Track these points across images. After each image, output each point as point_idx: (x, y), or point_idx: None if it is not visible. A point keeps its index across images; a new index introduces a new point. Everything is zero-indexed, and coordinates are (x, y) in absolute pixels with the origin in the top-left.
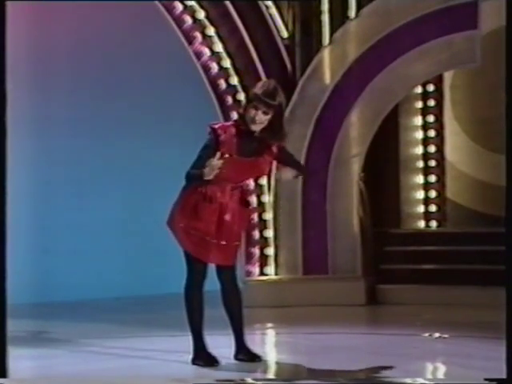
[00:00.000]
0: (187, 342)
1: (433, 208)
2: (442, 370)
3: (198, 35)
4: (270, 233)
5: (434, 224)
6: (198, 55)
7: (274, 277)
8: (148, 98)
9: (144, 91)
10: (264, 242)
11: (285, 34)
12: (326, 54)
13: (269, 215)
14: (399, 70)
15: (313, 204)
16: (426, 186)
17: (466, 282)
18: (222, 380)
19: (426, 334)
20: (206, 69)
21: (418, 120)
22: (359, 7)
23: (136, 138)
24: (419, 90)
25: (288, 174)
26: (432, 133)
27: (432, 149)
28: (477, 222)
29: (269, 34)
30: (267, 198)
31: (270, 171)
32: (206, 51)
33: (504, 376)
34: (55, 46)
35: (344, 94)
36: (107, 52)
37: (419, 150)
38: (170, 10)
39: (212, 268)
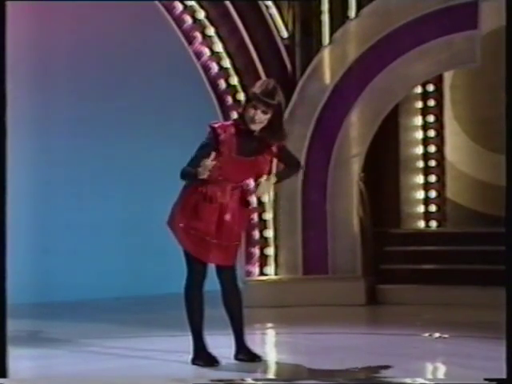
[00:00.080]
0: (187, 342)
1: (433, 208)
2: (441, 370)
3: (198, 35)
4: (270, 233)
5: (433, 224)
6: (198, 55)
7: (273, 277)
8: (148, 98)
9: (144, 91)
10: (264, 242)
11: (285, 34)
12: (326, 54)
13: (269, 215)
14: (399, 70)
15: (313, 204)
16: (426, 186)
17: (466, 282)
18: (222, 380)
19: (426, 334)
20: (206, 69)
21: (418, 120)
22: (359, 7)
23: (136, 138)
24: (419, 90)
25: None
26: (432, 133)
27: (432, 149)
28: (477, 222)
29: (269, 34)
30: (267, 198)
31: (270, 171)
32: (206, 51)
33: (504, 376)
34: (55, 45)
35: (344, 93)
36: (107, 52)
37: (419, 150)
38: (170, 9)
39: (212, 268)
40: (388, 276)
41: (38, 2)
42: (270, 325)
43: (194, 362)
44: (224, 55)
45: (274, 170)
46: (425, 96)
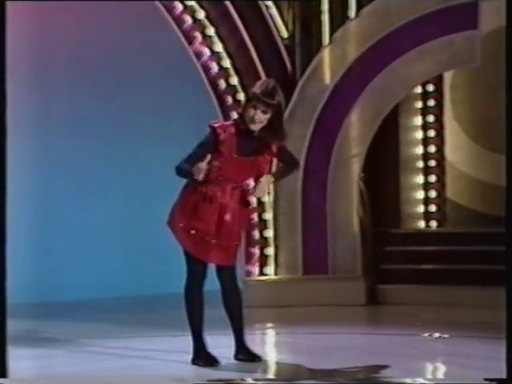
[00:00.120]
0: (187, 342)
1: (433, 208)
2: (441, 370)
3: (198, 35)
4: (270, 233)
5: (434, 224)
6: (198, 55)
7: (273, 277)
8: (148, 98)
9: (144, 91)
10: (264, 242)
11: (285, 34)
12: (326, 54)
13: (269, 215)
14: (399, 70)
15: (313, 204)
16: (426, 186)
17: (466, 282)
18: (222, 380)
19: (426, 334)
20: (206, 69)
21: (418, 120)
22: (359, 7)
23: (136, 138)
24: (419, 90)
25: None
26: (432, 133)
27: (432, 149)
28: (477, 222)
29: (269, 34)
30: (267, 198)
31: (270, 170)
32: (206, 51)
33: (504, 376)
34: (55, 46)
35: (344, 94)
36: (107, 52)
37: (419, 150)
38: (170, 9)
39: (212, 268)
40: (388, 276)
41: (38, 2)
42: (270, 325)
43: (194, 361)
44: (224, 55)
45: (274, 170)
46: (425, 96)
